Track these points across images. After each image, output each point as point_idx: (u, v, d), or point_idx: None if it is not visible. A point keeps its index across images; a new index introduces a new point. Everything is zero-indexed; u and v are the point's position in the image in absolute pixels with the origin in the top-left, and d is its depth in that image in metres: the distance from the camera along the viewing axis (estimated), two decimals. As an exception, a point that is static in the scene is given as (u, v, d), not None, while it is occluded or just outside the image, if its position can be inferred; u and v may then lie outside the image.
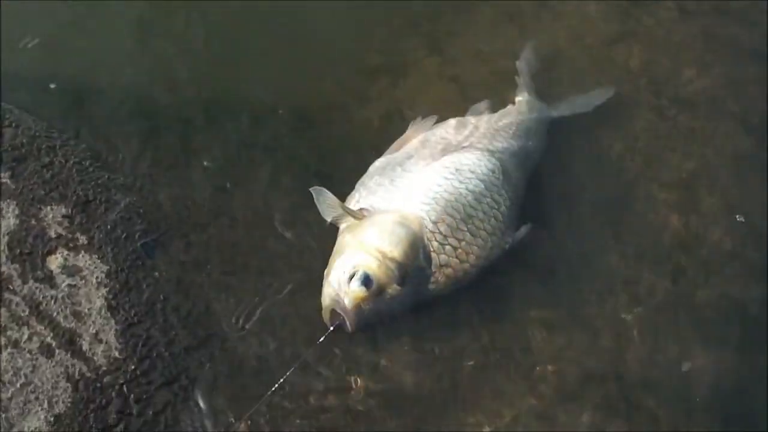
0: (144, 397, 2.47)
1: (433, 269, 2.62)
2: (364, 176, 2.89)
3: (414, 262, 2.60)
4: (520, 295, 2.84)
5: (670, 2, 3.59)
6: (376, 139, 3.12)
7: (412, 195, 2.74)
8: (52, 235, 2.71)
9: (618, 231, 3.05)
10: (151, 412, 2.45)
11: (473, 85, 3.38)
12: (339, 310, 2.53)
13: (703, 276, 2.96)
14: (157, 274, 2.70)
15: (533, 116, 3.14)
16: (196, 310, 2.65)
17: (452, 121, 3.06)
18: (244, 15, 3.47)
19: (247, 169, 3.02)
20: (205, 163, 2.99)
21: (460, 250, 2.65)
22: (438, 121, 3.09)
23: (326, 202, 2.74)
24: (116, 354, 2.53)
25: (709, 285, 2.94)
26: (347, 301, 2.51)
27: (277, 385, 2.48)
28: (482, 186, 2.77)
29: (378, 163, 2.92)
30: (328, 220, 2.76)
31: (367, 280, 2.52)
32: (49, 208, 2.77)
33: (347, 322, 2.53)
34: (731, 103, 3.35)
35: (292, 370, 2.51)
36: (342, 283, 2.54)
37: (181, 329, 2.60)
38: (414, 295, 2.62)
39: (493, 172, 2.82)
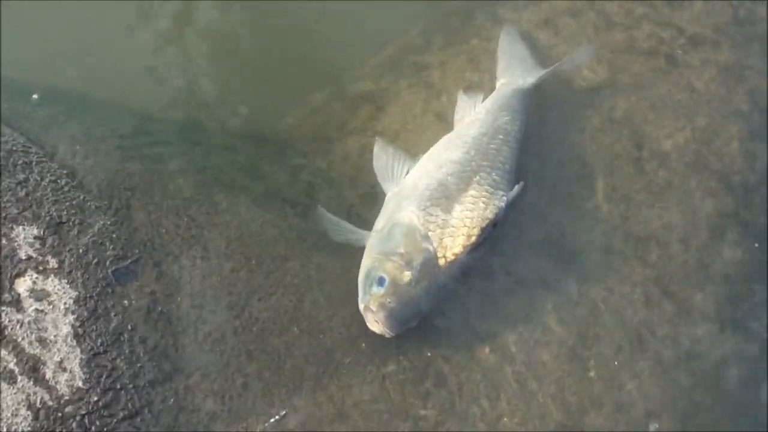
0: (105, 429, 2.45)
1: (436, 245, 2.75)
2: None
3: (417, 247, 2.74)
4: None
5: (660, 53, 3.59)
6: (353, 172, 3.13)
7: (402, 202, 2.90)
8: (23, 256, 2.66)
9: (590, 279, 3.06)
10: (111, 446, 2.44)
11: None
12: (374, 320, 2.67)
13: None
14: (126, 302, 2.66)
15: (512, 96, 3.22)
16: (164, 342, 2.63)
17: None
18: (227, 39, 3.44)
19: (223, 198, 2.98)
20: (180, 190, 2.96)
21: (454, 219, 2.80)
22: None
23: (330, 223, 2.89)
24: (80, 384, 2.51)
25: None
26: (372, 306, 2.66)
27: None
28: (458, 166, 2.94)
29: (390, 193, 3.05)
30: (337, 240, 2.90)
31: (380, 280, 2.68)
32: (21, 228, 2.71)
33: (382, 326, 2.66)
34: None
35: None
36: (366, 295, 2.71)
37: (147, 361, 2.58)
38: (433, 275, 2.73)
39: (467, 152, 2.99)
